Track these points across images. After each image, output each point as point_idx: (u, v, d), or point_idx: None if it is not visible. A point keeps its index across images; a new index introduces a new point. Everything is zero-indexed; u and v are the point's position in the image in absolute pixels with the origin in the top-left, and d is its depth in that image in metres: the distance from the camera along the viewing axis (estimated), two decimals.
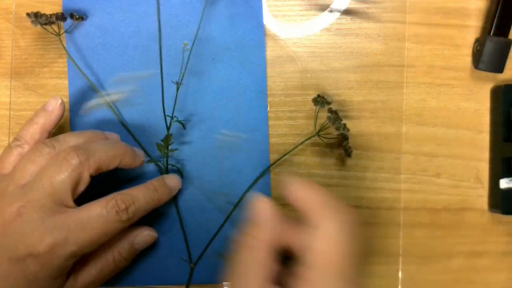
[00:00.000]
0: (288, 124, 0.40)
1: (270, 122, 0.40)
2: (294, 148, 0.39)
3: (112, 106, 0.39)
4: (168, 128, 0.38)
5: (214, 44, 0.40)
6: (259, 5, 0.40)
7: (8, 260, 0.31)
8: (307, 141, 0.39)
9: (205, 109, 0.40)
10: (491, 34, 0.38)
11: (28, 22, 0.38)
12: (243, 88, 0.40)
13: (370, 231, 0.40)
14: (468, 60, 0.40)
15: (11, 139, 0.41)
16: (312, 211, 0.29)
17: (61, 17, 0.38)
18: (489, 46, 0.38)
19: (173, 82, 0.37)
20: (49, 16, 0.37)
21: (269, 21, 0.40)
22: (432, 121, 0.40)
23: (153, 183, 0.36)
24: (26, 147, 0.35)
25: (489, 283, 0.40)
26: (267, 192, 0.40)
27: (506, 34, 0.39)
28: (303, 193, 0.30)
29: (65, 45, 0.40)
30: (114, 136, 0.38)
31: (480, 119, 0.40)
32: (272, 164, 0.40)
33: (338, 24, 0.40)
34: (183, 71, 0.38)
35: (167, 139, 0.37)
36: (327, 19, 0.40)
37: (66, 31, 0.40)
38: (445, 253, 0.40)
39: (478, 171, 0.40)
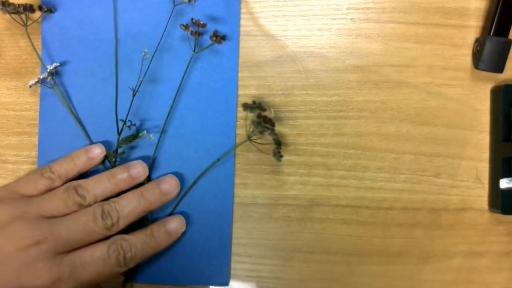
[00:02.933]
0: (288, 124, 0.40)
1: None
2: (226, 154, 0.39)
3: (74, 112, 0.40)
4: (119, 133, 0.38)
5: (186, 46, 0.40)
6: (236, 9, 0.40)
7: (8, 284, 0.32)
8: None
9: (173, 110, 0.40)
10: (491, 34, 0.38)
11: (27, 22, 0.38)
12: (213, 91, 0.40)
13: (370, 231, 0.40)
14: (468, 60, 0.40)
15: (11, 139, 0.41)
16: None
17: (29, 8, 0.38)
18: (489, 46, 0.38)
19: (130, 88, 0.38)
20: (17, 6, 0.37)
21: (269, 21, 0.40)
22: (432, 121, 0.40)
23: (152, 228, 0.37)
24: (57, 183, 0.36)
25: (489, 283, 0.40)
26: (230, 194, 0.39)
27: (506, 34, 0.39)
28: None
29: (40, 35, 0.40)
30: (139, 168, 0.38)
31: (480, 119, 0.40)
32: (218, 160, 0.40)
33: (338, 24, 0.40)
34: (141, 78, 0.39)
35: (116, 149, 0.38)
36: (327, 19, 0.40)
37: (34, 22, 0.39)
38: (445, 253, 0.40)
39: (478, 171, 0.40)
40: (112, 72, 0.39)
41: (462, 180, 0.40)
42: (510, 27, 0.39)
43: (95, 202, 0.36)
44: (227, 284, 0.39)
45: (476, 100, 0.40)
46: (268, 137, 0.36)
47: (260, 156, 0.40)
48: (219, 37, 0.38)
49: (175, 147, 0.40)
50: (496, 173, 0.39)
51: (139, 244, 0.35)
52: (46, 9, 0.39)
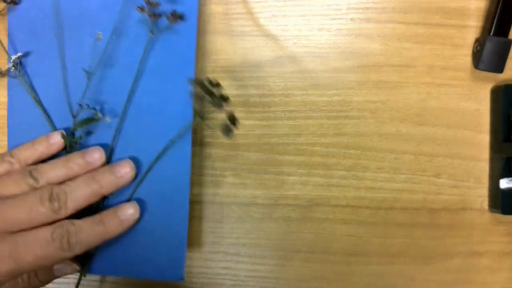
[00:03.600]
0: (288, 124, 0.40)
1: (270, 122, 0.40)
2: (180, 134, 0.39)
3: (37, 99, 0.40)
4: (74, 116, 0.39)
5: (143, 27, 0.39)
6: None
7: None
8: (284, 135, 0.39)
9: (131, 94, 0.39)
10: (491, 34, 0.38)
11: None
12: (170, 73, 0.39)
13: (370, 231, 0.40)
14: (468, 60, 0.40)
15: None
16: None
17: None
18: (489, 46, 0.38)
19: (84, 70, 0.38)
20: None
21: (269, 21, 0.40)
22: (432, 121, 0.40)
23: (102, 214, 0.36)
24: (16, 167, 0.37)
25: (489, 283, 0.40)
26: (186, 181, 0.38)
27: (506, 34, 0.39)
28: None
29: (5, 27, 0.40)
30: (96, 153, 0.38)
31: (480, 119, 0.40)
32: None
33: (338, 25, 0.40)
34: (96, 61, 0.38)
35: (72, 133, 0.38)
36: (327, 19, 0.40)
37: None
38: (445, 253, 0.40)
39: (478, 171, 0.40)
40: (73, 58, 0.39)
41: (462, 180, 0.40)
42: (510, 27, 0.39)
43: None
44: (182, 278, 0.38)
45: (476, 100, 0.40)
46: (223, 116, 0.34)
47: (261, 155, 0.40)
48: (175, 16, 0.37)
49: (133, 131, 0.39)
50: (496, 173, 0.39)
51: (86, 229, 0.35)
52: (9, 1, 0.39)
